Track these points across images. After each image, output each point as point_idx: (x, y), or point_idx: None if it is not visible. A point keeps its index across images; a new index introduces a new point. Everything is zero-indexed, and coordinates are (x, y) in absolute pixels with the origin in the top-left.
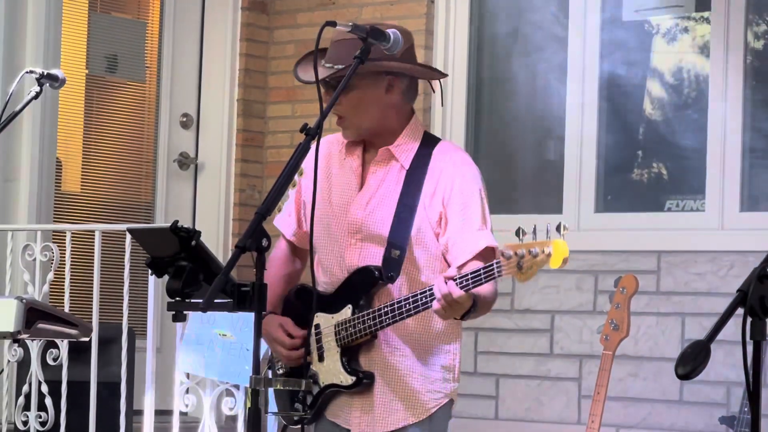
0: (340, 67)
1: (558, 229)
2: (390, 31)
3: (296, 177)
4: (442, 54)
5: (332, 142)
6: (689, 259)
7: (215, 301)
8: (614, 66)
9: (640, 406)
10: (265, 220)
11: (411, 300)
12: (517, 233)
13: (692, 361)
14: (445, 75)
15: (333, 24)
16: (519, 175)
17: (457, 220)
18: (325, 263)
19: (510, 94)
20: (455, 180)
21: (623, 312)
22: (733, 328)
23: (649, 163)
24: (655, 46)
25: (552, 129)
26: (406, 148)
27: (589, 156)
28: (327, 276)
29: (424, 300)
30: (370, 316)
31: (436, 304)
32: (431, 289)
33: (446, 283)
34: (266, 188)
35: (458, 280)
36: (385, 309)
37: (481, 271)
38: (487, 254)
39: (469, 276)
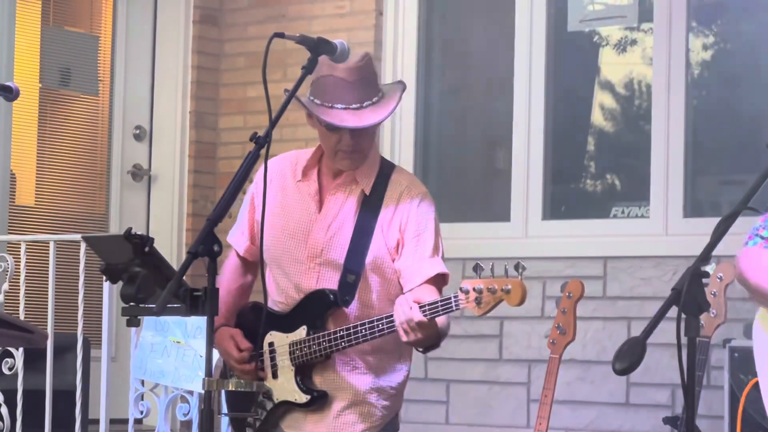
0: (375, 99)
1: (516, 268)
2: (337, 42)
3: (249, 195)
4: (391, 65)
5: (284, 161)
6: (635, 264)
7: (168, 305)
8: (562, 76)
9: (588, 408)
10: (216, 226)
11: (368, 326)
12: (475, 269)
13: (629, 356)
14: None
15: (281, 35)
16: (468, 184)
17: (411, 247)
18: (281, 284)
19: (459, 104)
20: (411, 209)
21: (569, 316)
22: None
23: (596, 171)
24: (603, 58)
25: (500, 138)
26: (367, 173)
27: (536, 164)
28: (282, 296)
29: (380, 327)
30: (326, 338)
31: (398, 327)
32: (389, 317)
33: (410, 308)
34: (219, 199)
35: (420, 307)
36: (341, 333)
37: (439, 304)
38: (437, 280)
39: (427, 306)
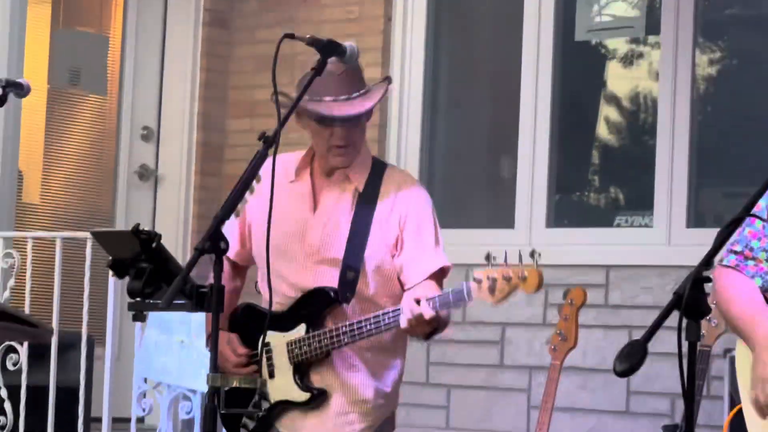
0: (363, 91)
1: (531, 255)
2: (346, 44)
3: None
4: (398, 71)
5: (283, 162)
6: (637, 273)
7: (174, 301)
8: (568, 86)
9: (588, 416)
10: (223, 224)
11: (372, 320)
12: (487, 258)
13: (630, 359)
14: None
15: (291, 36)
16: (473, 191)
17: (412, 243)
18: (277, 287)
19: (465, 111)
20: (409, 204)
21: (571, 323)
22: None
23: (600, 181)
24: (610, 71)
25: (505, 146)
26: (360, 171)
27: (541, 173)
28: (277, 296)
29: (386, 321)
30: (327, 335)
31: (404, 322)
32: (395, 311)
33: (419, 303)
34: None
35: (428, 301)
36: (344, 329)
37: (450, 295)
38: (438, 275)
39: (437, 298)
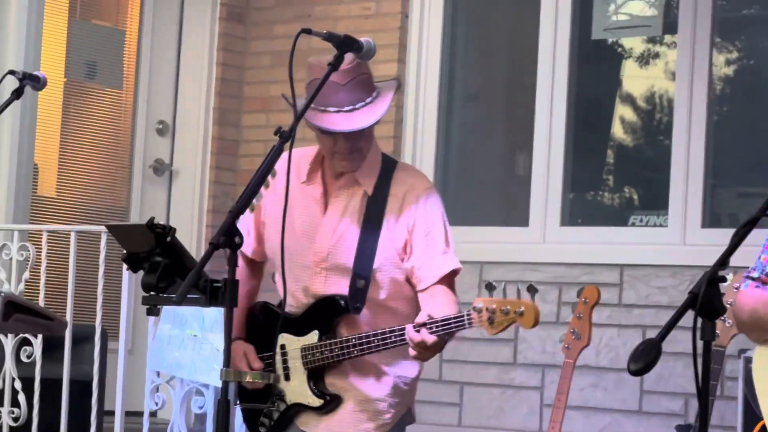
0: (369, 99)
1: (528, 290)
2: (363, 40)
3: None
4: (414, 68)
5: (296, 159)
6: (651, 273)
7: (188, 296)
8: (584, 85)
9: (601, 415)
10: (237, 219)
11: (380, 337)
12: (488, 287)
13: (644, 357)
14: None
15: (308, 31)
16: (488, 188)
17: (422, 245)
18: (290, 287)
19: (481, 108)
20: (418, 208)
21: (585, 322)
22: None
23: (615, 181)
24: (626, 71)
25: (521, 144)
26: (369, 173)
27: (556, 171)
28: (291, 298)
29: (393, 339)
30: (338, 345)
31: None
32: (401, 329)
33: (419, 331)
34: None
35: (429, 327)
36: (353, 341)
37: (452, 322)
38: (450, 277)
39: (440, 322)
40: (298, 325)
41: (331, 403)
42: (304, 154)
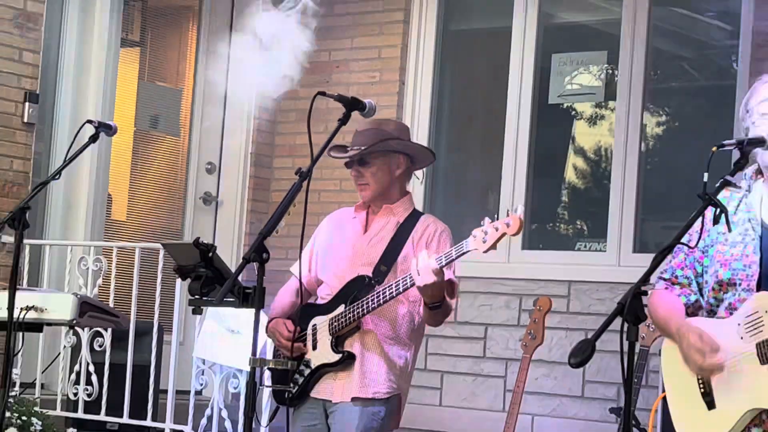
0: (363, 148)
1: (515, 210)
2: (366, 101)
3: (310, 240)
4: (408, 123)
5: (341, 212)
6: (593, 288)
7: (225, 299)
8: (543, 140)
9: (551, 399)
10: (265, 239)
11: (393, 285)
12: (482, 220)
13: (581, 353)
14: (434, 159)
15: (323, 93)
16: (465, 219)
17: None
18: (330, 282)
19: (461, 155)
20: (435, 236)
21: (539, 325)
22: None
23: (567, 215)
24: (578, 129)
25: (491, 184)
26: (402, 210)
27: (520, 206)
28: (328, 289)
29: (404, 283)
30: (358, 306)
31: (418, 280)
32: (409, 275)
33: (424, 257)
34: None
35: (438, 259)
36: (371, 297)
37: (453, 251)
38: (450, 288)
39: (443, 255)
40: (328, 307)
41: (346, 360)
42: (348, 209)
